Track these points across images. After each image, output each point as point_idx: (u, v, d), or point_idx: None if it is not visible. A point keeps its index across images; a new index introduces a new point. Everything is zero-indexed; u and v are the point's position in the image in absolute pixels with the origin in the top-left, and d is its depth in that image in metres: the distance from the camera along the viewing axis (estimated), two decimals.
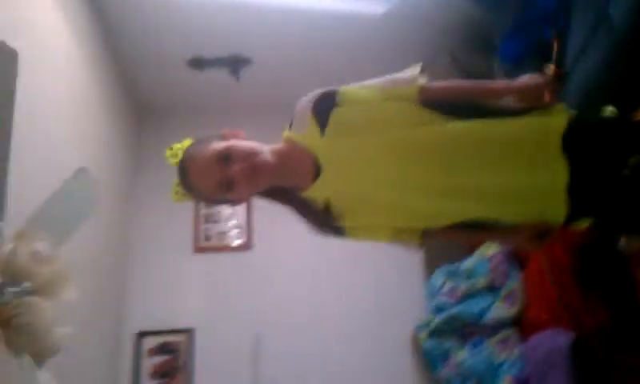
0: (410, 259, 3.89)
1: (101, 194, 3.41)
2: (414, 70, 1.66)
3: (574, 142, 1.53)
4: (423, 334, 3.88)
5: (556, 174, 1.53)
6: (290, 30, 4.25)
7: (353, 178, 1.61)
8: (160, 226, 4.67)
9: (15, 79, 2.54)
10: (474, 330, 3.64)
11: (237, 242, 4.78)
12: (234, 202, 1.68)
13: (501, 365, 3.35)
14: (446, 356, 3.73)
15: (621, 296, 2.67)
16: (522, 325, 3.44)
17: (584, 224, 1.67)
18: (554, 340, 2.96)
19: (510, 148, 1.55)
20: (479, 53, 4.13)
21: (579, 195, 1.54)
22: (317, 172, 1.63)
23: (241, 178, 1.54)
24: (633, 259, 2.56)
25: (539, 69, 2.58)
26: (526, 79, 1.64)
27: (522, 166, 1.55)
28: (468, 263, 3.90)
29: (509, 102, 1.65)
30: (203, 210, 4.77)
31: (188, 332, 4.42)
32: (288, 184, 1.69)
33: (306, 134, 1.63)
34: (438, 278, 4.05)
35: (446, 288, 3.92)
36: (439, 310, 3.84)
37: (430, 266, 4.24)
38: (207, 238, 4.76)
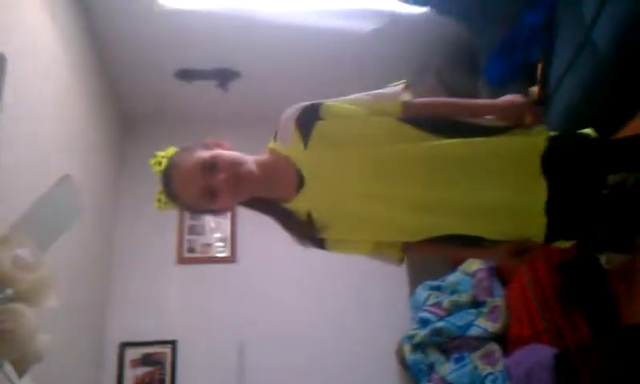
0: (395, 272, 3.90)
1: (85, 203, 3.39)
2: (397, 86, 1.68)
3: (552, 163, 1.55)
4: (408, 347, 3.89)
5: (535, 194, 1.55)
6: (278, 45, 4.28)
7: (335, 190, 1.62)
8: (144, 237, 4.65)
9: (2, 83, 2.53)
10: (458, 344, 3.65)
11: (221, 254, 4.77)
12: (217, 212, 1.69)
13: (485, 379, 3.36)
14: (430, 369, 3.74)
15: (602, 312, 2.69)
16: (505, 340, 3.46)
17: (564, 244, 1.69)
18: (537, 355, 2.98)
19: (489, 166, 1.57)
20: (465, 72, 4.17)
21: (558, 215, 1.55)
22: (300, 184, 1.64)
23: (224, 187, 1.54)
24: (613, 276, 2.58)
25: (524, 90, 2.63)
26: (508, 98, 1.65)
27: (502, 185, 1.57)
28: (452, 278, 3.93)
29: (490, 120, 1.67)
30: (187, 221, 4.76)
31: (171, 343, 4.40)
32: (272, 195, 1.69)
33: (290, 146, 1.64)
34: (423, 291, 4.06)
35: (430, 302, 3.94)
36: (424, 323, 3.85)
37: (415, 280, 4.25)
38: (191, 250, 4.75)
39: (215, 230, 4.80)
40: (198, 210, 1.69)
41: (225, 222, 4.76)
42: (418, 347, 3.80)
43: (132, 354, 4.36)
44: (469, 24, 3.78)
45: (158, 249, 4.67)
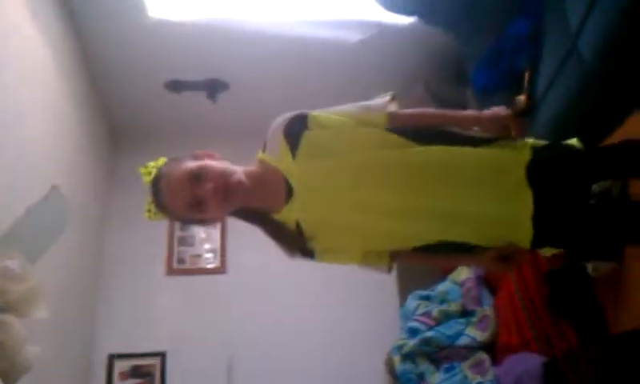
0: (385, 282, 3.90)
1: (73, 213, 3.38)
2: (384, 98, 1.69)
3: (537, 173, 1.57)
4: (397, 357, 3.88)
5: (520, 202, 1.56)
6: (267, 56, 4.30)
7: (323, 200, 1.63)
8: (133, 248, 4.63)
9: None
10: (448, 354, 3.65)
11: (210, 265, 4.76)
12: (205, 222, 1.69)
13: None
14: (420, 379, 3.73)
15: (589, 320, 2.70)
16: (494, 349, 3.47)
17: (551, 252, 1.71)
18: (526, 363, 2.99)
19: (475, 174, 1.59)
20: (452, 82, 4.20)
21: (544, 223, 1.57)
22: (289, 194, 1.64)
23: (212, 198, 1.55)
24: (600, 284, 2.60)
25: (510, 98, 2.66)
26: (494, 110, 1.67)
27: (488, 193, 1.58)
28: (441, 287, 3.93)
29: (477, 131, 1.69)
30: (177, 233, 4.75)
31: (161, 355, 4.38)
32: (261, 205, 1.70)
33: (278, 157, 1.65)
34: (412, 301, 4.07)
35: (419, 311, 3.94)
36: (413, 332, 3.85)
37: (404, 290, 4.25)
38: (181, 261, 4.74)
39: (205, 241, 4.79)
40: (186, 221, 1.70)
41: (215, 233, 4.76)
42: (408, 357, 3.80)
43: (121, 365, 4.33)
44: (456, 33, 3.81)
45: (148, 260, 4.65)
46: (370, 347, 4.33)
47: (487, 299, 3.65)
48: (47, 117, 3.47)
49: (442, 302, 3.88)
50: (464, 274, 3.81)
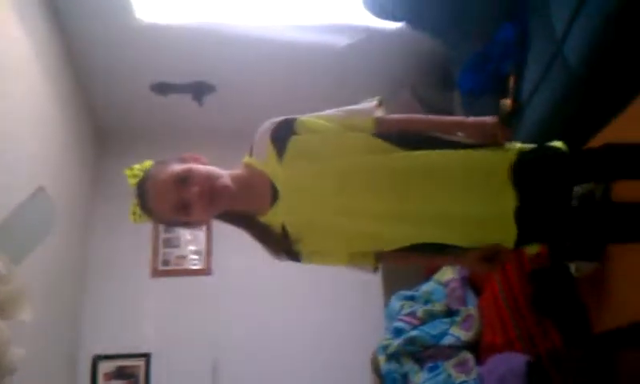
0: (370, 283, 3.92)
1: (59, 215, 3.37)
2: (371, 103, 1.71)
3: (521, 173, 1.59)
4: (382, 357, 3.90)
5: (504, 201, 1.58)
6: (253, 59, 4.30)
7: (308, 203, 1.64)
8: (118, 249, 4.62)
9: None
10: (432, 353, 3.66)
11: (196, 267, 4.75)
12: (191, 225, 1.70)
13: None
14: (404, 379, 3.74)
15: (573, 320, 2.73)
16: (478, 348, 3.49)
17: (534, 248, 1.73)
18: (510, 363, 3.01)
19: (460, 176, 1.60)
20: (439, 86, 4.23)
21: (527, 222, 1.59)
22: (274, 197, 1.65)
23: (198, 201, 1.56)
24: (583, 284, 2.62)
25: (496, 102, 2.68)
26: (480, 118, 1.69)
27: (472, 194, 1.60)
28: (425, 288, 3.95)
29: (464, 139, 1.70)
30: (162, 234, 4.74)
31: (145, 356, 4.37)
32: (247, 208, 1.71)
33: (265, 160, 1.66)
34: (397, 301, 4.08)
35: (404, 311, 3.95)
36: (398, 332, 3.86)
37: (389, 290, 4.27)
38: (166, 263, 4.73)
39: (190, 242, 4.79)
40: (172, 223, 1.70)
41: (200, 234, 4.76)
42: (393, 357, 3.81)
43: (105, 366, 4.33)
44: (443, 39, 3.84)
45: (133, 261, 4.64)
46: (355, 347, 4.35)
47: (471, 299, 3.68)
48: (32, 118, 3.45)
49: (427, 302, 3.89)
50: (448, 274, 3.83)
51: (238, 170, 1.70)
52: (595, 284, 2.53)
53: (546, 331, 2.89)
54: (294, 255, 1.70)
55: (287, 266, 1.82)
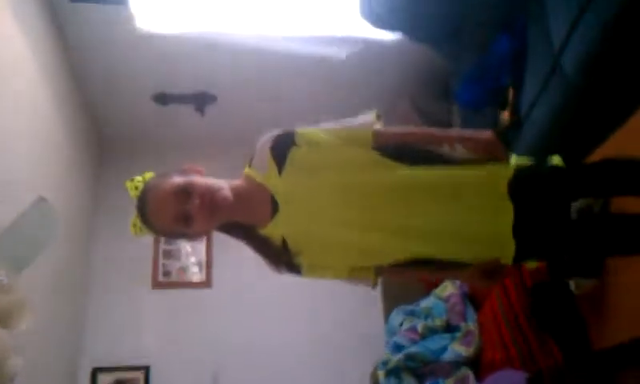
0: (370, 297, 3.91)
1: (60, 226, 3.37)
2: (369, 116, 1.72)
3: (519, 189, 1.60)
4: (382, 372, 3.88)
5: (502, 217, 1.59)
6: (254, 70, 4.33)
7: (307, 216, 1.65)
8: (119, 261, 4.61)
9: None
10: (432, 369, 3.65)
11: (196, 279, 4.75)
12: (191, 237, 1.70)
13: None
14: None
15: (573, 337, 2.72)
16: (478, 365, 3.48)
17: (532, 264, 1.74)
18: (510, 380, 3.00)
19: (458, 192, 1.62)
20: (438, 98, 4.24)
21: (525, 237, 1.60)
22: (274, 210, 1.66)
23: (198, 213, 1.56)
24: (583, 301, 2.62)
25: (495, 114, 2.69)
26: (478, 132, 1.70)
27: (470, 209, 1.61)
28: (426, 303, 3.94)
29: (462, 153, 1.71)
30: (163, 246, 4.74)
31: (144, 369, 4.36)
32: (247, 220, 1.71)
33: (265, 173, 1.67)
34: (397, 316, 4.07)
35: (404, 327, 3.94)
36: (398, 348, 3.85)
37: (389, 305, 4.26)
38: (166, 274, 4.72)
39: (191, 254, 4.78)
40: (172, 235, 1.70)
41: (200, 246, 4.75)
42: (392, 372, 3.80)
43: (104, 379, 4.31)
44: (441, 51, 3.85)
45: (133, 273, 4.63)
46: (355, 362, 4.33)
47: (471, 315, 3.67)
48: (34, 128, 3.47)
49: (427, 317, 3.88)
50: (449, 289, 3.83)
51: (238, 181, 1.70)
52: (595, 300, 2.53)
53: (546, 348, 2.88)
54: (294, 268, 1.70)
55: (287, 279, 1.82)
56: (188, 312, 4.60)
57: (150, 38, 3.92)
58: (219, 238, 1.76)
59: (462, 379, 3.48)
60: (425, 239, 1.61)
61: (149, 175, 1.67)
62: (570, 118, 2.80)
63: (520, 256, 1.63)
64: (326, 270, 1.73)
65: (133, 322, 4.52)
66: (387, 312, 4.29)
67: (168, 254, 4.75)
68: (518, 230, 1.58)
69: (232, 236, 1.75)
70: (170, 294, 4.67)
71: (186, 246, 4.78)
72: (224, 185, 1.64)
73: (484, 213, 1.61)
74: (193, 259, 4.80)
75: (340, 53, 4.22)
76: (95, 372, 4.29)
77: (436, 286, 3.96)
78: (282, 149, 1.66)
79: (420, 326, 3.81)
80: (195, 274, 4.76)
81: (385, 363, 3.88)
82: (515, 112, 3.13)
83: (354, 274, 1.73)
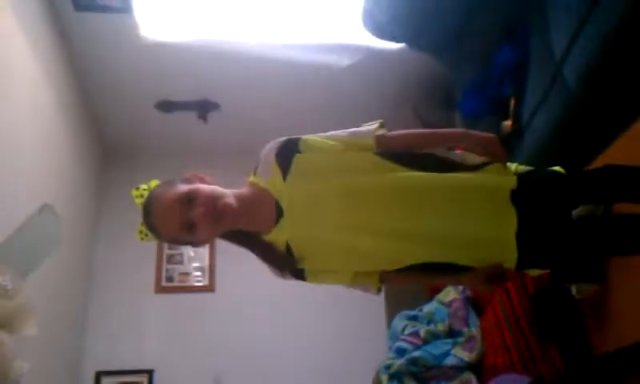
0: (372, 303, 3.92)
1: (64, 232, 3.39)
2: (372, 125, 1.73)
3: (521, 195, 1.61)
4: (384, 377, 3.89)
5: (505, 223, 1.60)
6: (257, 77, 4.35)
7: (311, 221, 1.66)
8: (122, 265, 4.64)
9: None
10: (435, 374, 3.65)
11: (199, 284, 4.76)
12: (196, 244, 1.71)
13: None
14: None
15: (574, 342, 2.73)
16: (481, 369, 3.48)
17: (535, 272, 1.75)
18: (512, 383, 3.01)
19: (463, 197, 1.62)
20: (440, 107, 4.25)
21: (528, 243, 1.61)
22: (279, 215, 1.67)
23: (202, 221, 1.57)
24: (585, 306, 2.63)
25: (497, 124, 2.70)
26: (480, 132, 1.71)
27: (474, 216, 1.62)
28: (428, 308, 3.95)
29: (464, 159, 1.72)
30: (166, 251, 4.75)
31: (148, 373, 4.37)
32: (251, 228, 1.72)
33: (269, 179, 1.68)
34: (400, 321, 4.08)
35: (407, 331, 3.95)
36: (401, 352, 3.86)
37: (392, 310, 4.27)
38: (169, 279, 4.74)
39: (194, 259, 4.80)
40: (177, 242, 1.71)
41: (204, 251, 4.77)
42: (395, 377, 3.80)
43: (108, 382, 4.33)
44: (443, 60, 3.87)
45: (137, 277, 4.65)
46: (357, 367, 4.33)
47: (474, 320, 3.67)
48: (37, 134, 3.49)
49: (429, 322, 3.89)
50: (451, 294, 3.83)
51: (242, 189, 1.72)
52: (597, 305, 2.54)
53: (548, 353, 2.88)
54: (298, 274, 1.71)
55: (290, 284, 1.83)
56: (191, 316, 4.62)
57: (153, 47, 3.94)
58: (222, 243, 1.77)
59: (464, 383, 3.49)
60: (429, 243, 1.62)
61: (154, 183, 1.69)
62: (570, 128, 2.82)
63: (523, 263, 1.64)
64: (329, 274, 1.73)
65: (136, 326, 4.54)
66: (390, 317, 4.30)
67: (171, 259, 4.76)
68: (521, 237, 1.60)
69: (236, 243, 1.77)
70: (173, 298, 4.68)
71: (189, 251, 4.80)
72: (228, 192, 1.66)
73: (488, 220, 1.62)
74: (196, 264, 4.82)
75: (342, 61, 4.24)
76: (99, 375, 4.31)
77: (438, 291, 3.97)
78: (286, 155, 1.68)
79: (422, 331, 3.81)
80: (198, 279, 4.77)
81: (387, 367, 3.88)
82: (516, 121, 3.14)
83: (357, 279, 1.73)
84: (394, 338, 4.07)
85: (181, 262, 4.80)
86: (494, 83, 3.34)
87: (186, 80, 4.36)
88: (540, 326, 2.88)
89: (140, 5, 3.71)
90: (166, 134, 4.89)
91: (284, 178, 1.66)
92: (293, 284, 1.82)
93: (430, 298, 4.04)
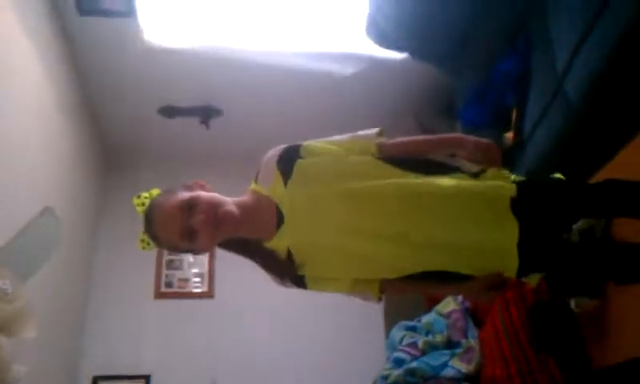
0: (371, 312, 3.92)
1: (64, 235, 3.39)
2: (373, 130, 1.74)
3: (521, 202, 1.62)
4: None
5: (506, 230, 1.60)
6: (260, 84, 4.36)
7: (313, 225, 1.66)
8: (121, 270, 4.63)
9: None
10: None
11: (198, 290, 4.76)
12: (196, 252, 1.71)
13: None
14: None
15: (573, 356, 2.73)
16: (478, 381, 3.47)
17: (536, 279, 1.74)
18: None
19: (462, 205, 1.62)
20: (442, 117, 4.26)
21: (529, 251, 1.61)
22: (280, 222, 1.67)
23: (203, 228, 1.57)
24: (584, 320, 2.63)
25: (498, 135, 2.71)
26: (477, 137, 1.71)
27: (475, 223, 1.62)
28: (427, 319, 3.94)
29: (464, 164, 1.72)
30: (166, 256, 4.75)
31: (145, 378, 4.36)
32: (252, 235, 1.72)
33: (270, 186, 1.68)
34: (398, 332, 4.07)
35: (405, 342, 3.94)
36: (398, 363, 3.85)
37: (390, 320, 4.26)
38: (169, 284, 4.73)
39: (193, 265, 4.80)
40: (178, 250, 1.71)
41: (203, 257, 4.77)
42: None
43: None
44: (446, 69, 3.88)
45: (136, 282, 4.65)
46: (354, 376, 4.33)
47: (473, 331, 3.67)
48: (39, 137, 3.49)
49: (428, 333, 3.88)
50: (450, 305, 3.82)
51: (243, 197, 1.72)
52: (595, 320, 2.54)
53: (546, 367, 2.88)
54: (299, 281, 1.71)
55: (288, 292, 1.83)
56: (190, 322, 4.61)
57: (157, 52, 3.95)
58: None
59: None
60: (430, 250, 1.62)
61: (155, 192, 1.69)
62: (571, 142, 2.83)
63: (524, 269, 1.64)
64: (329, 282, 1.73)
65: (134, 332, 4.53)
66: (388, 327, 4.29)
67: (170, 265, 4.76)
68: (522, 244, 1.60)
69: (237, 253, 1.77)
70: (171, 304, 4.68)
71: (188, 257, 4.79)
72: (228, 200, 1.66)
73: (488, 227, 1.62)
74: (195, 270, 4.82)
75: (345, 70, 4.25)
76: (96, 381, 4.30)
77: (437, 302, 3.97)
78: (288, 161, 1.68)
79: (421, 342, 3.81)
80: (197, 285, 4.77)
81: (385, 378, 3.87)
82: (518, 133, 3.15)
83: (357, 286, 1.73)
84: (391, 348, 4.06)
85: (180, 268, 4.80)
86: (496, 94, 3.35)
87: (189, 86, 4.37)
88: (538, 340, 2.88)
89: (144, 10, 3.72)
90: (167, 139, 4.90)
91: (285, 184, 1.67)
92: (291, 292, 1.82)
93: (428, 309, 4.04)
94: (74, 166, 4.16)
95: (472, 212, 1.62)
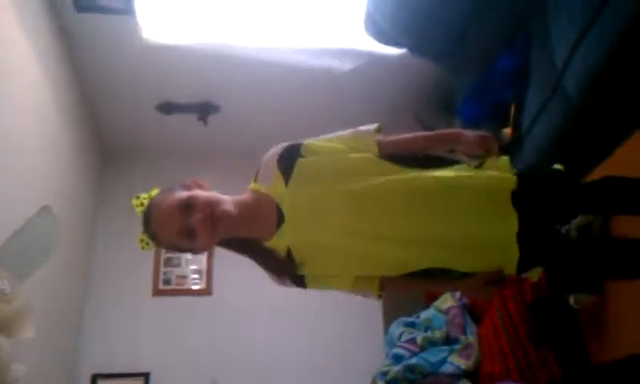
0: (370, 309, 3.92)
1: (62, 233, 3.39)
2: (371, 126, 1.74)
3: (522, 194, 1.62)
4: (381, 383, 3.89)
5: (506, 224, 1.61)
6: (257, 81, 4.35)
7: (313, 225, 1.66)
8: (120, 267, 4.63)
9: None
10: (431, 381, 3.65)
11: (196, 287, 4.76)
12: (195, 251, 1.71)
13: None
14: None
15: (572, 352, 2.73)
16: (477, 377, 3.48)
17: (536, 273, 1.74)
18: None
19: (462, 200, 1.63)
20: (441, 112, 4.26)
21: (529, 244, 1.61)
22: (280, 221, 1.67)
23: (201, 227, 1.57)
24: (582, 316, 2.63)
25: (496, 131, 2.70)
26: (475, 131, 1.71)
27: (475, 218, 1.62)
28: (425, 315, 3.95)
29: (463, 159, 1.72)
30: (164, 254, 4.75)
31: (144, 376, 4.36)
32: (251, 234, 1.72)
33: (271, 185, 1.68)
34: (397, 328, 4.08)
35: (404, 338, 3.95)
36: (397, 359, 3.85)
37: (389, 317, 4.27)
38: (167, 282, 4.73)
39: (191, 262, 4.80)
40: (178, 249, 1.71)
41: (201, 255, 4.76)
42: (392, 383, 3.81)
43: None
44: (444, 65, 3.87)
45: (134, 280, 4.65)
46: (354, 373, 4.34)
47: (471, 327, 3.67)
48: (37, 134, 3.49)
49: (427, 329, 3.89)
50: (448, 302, 3.83)
51: (243, 196, 1.71)
52: (594, 316, 2.54)
53: (545, 362, 2.88)
54: (298, 280, 1.71)
55: (287, 290, 1.83)
56: (188, 319, 4.61)
57: (155, 48, 3.95)
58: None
59: None
60: (431, 248, 1.62)
61: (154, 192, 1.69)
62: (570, 138, 2.83)
63: (524, 265, 1.64)
64: (329, 280, 1.73)
65: (133, 329, 4.53)
66: (387, 323, 4.30)
67: (169, 262, 4.76)
68: (521, 238, 1.60)
69: (236, 252, 1.77)
70: (170, 301, 4.68)
71: (186, 254, 4.79)
72: (226, 199, 1.65)
73: (489, 222, 1.62)
74: (193, 267, 4.81)
75: (344, 66, 4.25)
76: (95, 379, 4.30)
77: (436, 298, 3.97)
78: (289, 160, 1.68)
79: (419, 338, 3.81)
80: (196, 282, 4.77)
81: (384, 374, 3.88)
82: (516, 129, 3.15)
83: (358, 284, 1.72)
84: (390, 344, 4.06)
85: (178, 265, 4.80)
86: (495, 89, 3.35)
87: (186, 82, 4.36)
88: (537, 335, 2.88)
89: (142, 7, 3.71)
90: (165, 136, 4.89)
91: (286, 184, 1.66)
92: (290, 290, 1.82)
93: (427, 305, 4.04)
94: (71, 163, 4.15)
95: (473, 205, 1.63)
